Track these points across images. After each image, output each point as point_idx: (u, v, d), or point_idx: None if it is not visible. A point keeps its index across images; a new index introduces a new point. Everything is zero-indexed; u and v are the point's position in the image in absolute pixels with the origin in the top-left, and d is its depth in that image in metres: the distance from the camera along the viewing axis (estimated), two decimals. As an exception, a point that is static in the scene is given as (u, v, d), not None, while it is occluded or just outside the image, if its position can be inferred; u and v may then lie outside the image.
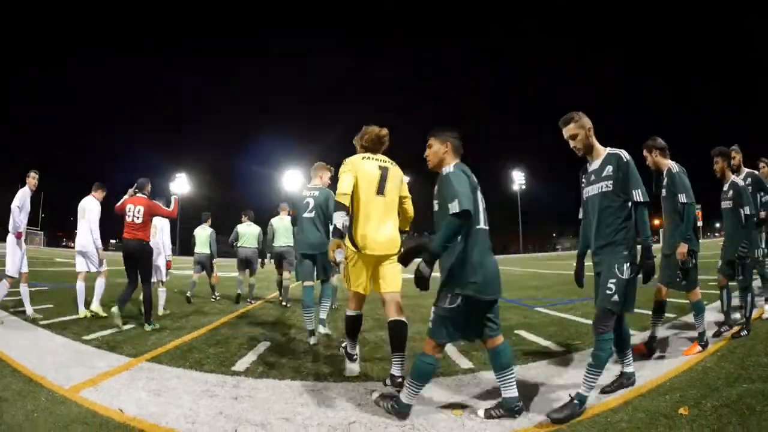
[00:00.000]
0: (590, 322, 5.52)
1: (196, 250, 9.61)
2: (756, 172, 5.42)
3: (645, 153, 4.40)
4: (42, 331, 5.61)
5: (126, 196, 6.32)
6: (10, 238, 6.28)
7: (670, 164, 4.27)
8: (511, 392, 2.87)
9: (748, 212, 4.67)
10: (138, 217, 6.05)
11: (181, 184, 64.40)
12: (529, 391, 3.34)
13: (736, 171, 5.26)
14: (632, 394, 3.11)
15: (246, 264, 9.38)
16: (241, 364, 4.22)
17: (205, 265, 9.54)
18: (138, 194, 6.24)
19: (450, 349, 4.73)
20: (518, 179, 76.29)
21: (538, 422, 2.79)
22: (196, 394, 3.39)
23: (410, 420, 2.89)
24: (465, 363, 4.22)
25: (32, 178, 6.57)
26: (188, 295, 9.02)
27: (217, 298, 9.54)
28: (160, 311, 7.33)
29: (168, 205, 6.73)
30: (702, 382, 3.28)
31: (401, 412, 2.90)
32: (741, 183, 4.83)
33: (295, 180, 41.73)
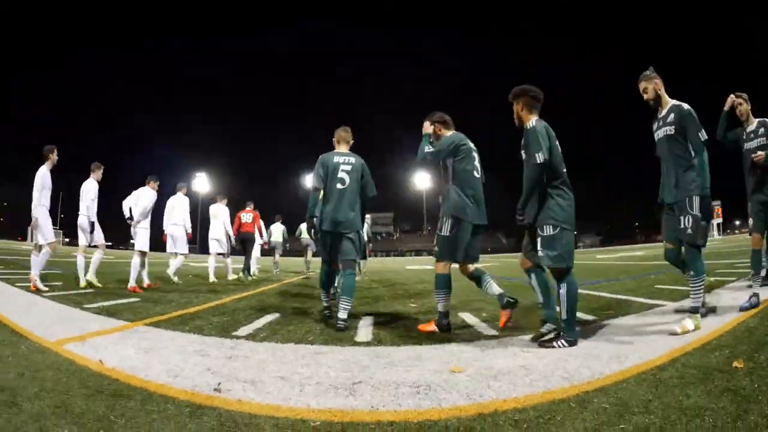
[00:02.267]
0: (619, 297, 5.53)
1: (273, 239, 13.69)
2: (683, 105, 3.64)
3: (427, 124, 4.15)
4: (42, 299, 5.42)
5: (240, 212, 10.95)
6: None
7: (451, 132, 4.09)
8: None
9: (539, 160, 3.26)
10: (248, 220, 10.76)
11: (202, 184, 65.23)
12: (565, 352, 3.00)
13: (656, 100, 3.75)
14: (677, 353, 2.77)
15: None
16: (244, 330, 3.90)
17: (279, 249, 13.88)
18: (247, 207, 10.99)
19: (472, 319, 4.44)
20: None
21: (587, 379, 2.42)
22: (187, 353, 3.07)
23: (425, 378, 2.52)
24: (490, 331, 3.87)
25: (156, 182, 7.99)
26: (275, 271, 13.14)
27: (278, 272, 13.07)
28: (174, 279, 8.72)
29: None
30: (750, 339, 3.01)
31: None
32: (531, 125, 3.45)
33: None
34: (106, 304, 5.22)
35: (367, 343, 3.44)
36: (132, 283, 6.96)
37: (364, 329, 3.98)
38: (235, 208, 11.16)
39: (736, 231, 66.12)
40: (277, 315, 4.80)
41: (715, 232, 52.85)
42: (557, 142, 3.46)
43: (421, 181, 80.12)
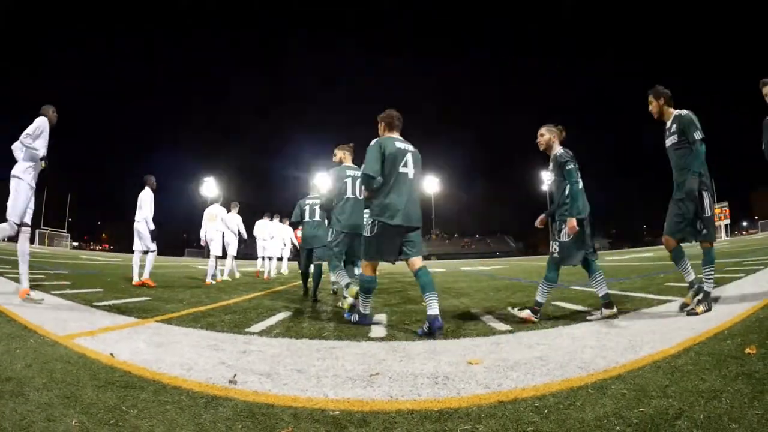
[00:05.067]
0: (630, 294, 5.55)
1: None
2: None
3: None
4: (52, 297, 5.39)
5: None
6: None
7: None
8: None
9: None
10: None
11: (210, 188, 65.28)
12: (580, 344, 2.97)
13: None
14: (690, 342, 2.80)
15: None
16: (256, 327, 3.84)
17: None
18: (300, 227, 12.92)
19: (484, 316, 4.39)
20: (547, 179, 72.92)
21: (603, 368, 2.42)
22: (200, 347, 3.02)
23: (442, 369, 2.48)
24: (502, 326, 3.82)
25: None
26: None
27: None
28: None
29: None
30: (760, 328, 3.04)
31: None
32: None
33: (324, 183, 41.15)
34: (116, 302, 5.19)
35: (382, 339, 3.39)
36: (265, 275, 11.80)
37: (379, 326, 3.92)
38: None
39: (744, 232, 66.15)
40: (289, 313, 4.74)
41: (723, 234, 52.39)
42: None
43: (430, 185, 79.60)
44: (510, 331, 3.58)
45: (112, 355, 2.67)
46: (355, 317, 4.08)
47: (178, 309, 4.84)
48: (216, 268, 9.69)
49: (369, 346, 3.14)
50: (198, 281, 9.35)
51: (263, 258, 12.63)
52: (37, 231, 50.65)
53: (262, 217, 12.92)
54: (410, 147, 4.04)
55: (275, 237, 12.99)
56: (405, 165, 3.90)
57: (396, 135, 4.07)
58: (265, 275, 12.12)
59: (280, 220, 13.46)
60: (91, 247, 76.67)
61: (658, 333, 3.19)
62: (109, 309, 4.63)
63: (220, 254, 9.89)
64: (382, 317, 4.38)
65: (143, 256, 8.02)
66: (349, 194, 5.11)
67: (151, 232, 7.94)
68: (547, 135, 4.30)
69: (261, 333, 3.59)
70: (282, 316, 4.54)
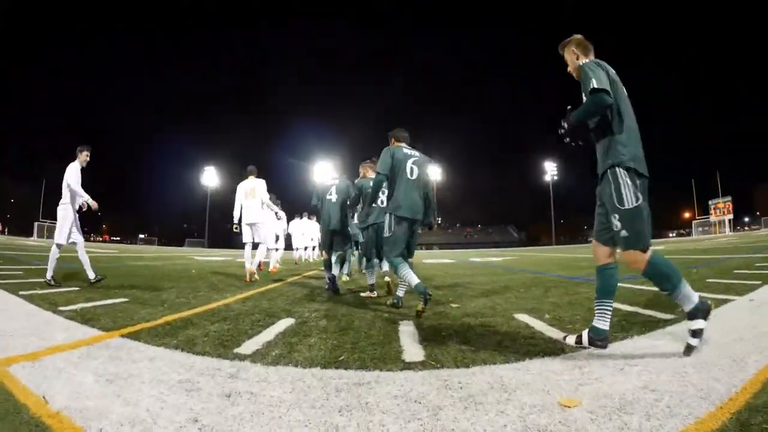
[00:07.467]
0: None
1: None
2: None
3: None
4: (17, 298, 4.59)
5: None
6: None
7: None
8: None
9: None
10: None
11: (210, 177, 64.53)
12: (677, 363, 2.21)
13: None
14: None
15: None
16: (249, 346, 2.93)
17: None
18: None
19: (535, 322, 3.44)
20: (550, 170, 68.94)
21: (727, 397, 1.77)
22: (167, 385, 2.13)
23: (533, 421, 1.65)
24: (560, 335, 3.12)
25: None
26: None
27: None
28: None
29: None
30: None
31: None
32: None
33: (324, 171, 40.26)
34: (85, 305, 4.33)
35: (422, 364, 2.50)
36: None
37: (410, 342, 3.04)
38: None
39: (746, 228, 65.77)
40: (291, 321, 3.81)
41: (727, 229, 51.58)
42: None
43: (432, 174, 77.57)
44: (580, 346, 2.76)
45: (44, 398, 1.82)
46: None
47: (154, 316, 3.95)
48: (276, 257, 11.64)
49: (407, 378, 2.26)
50: (189, 273, 8.46)
51: (297, 248, 15.84)
52: (36, 224, 49.98)
53: (293, 218, 15.84)
54: (336, 182, 6.15)
55: (305, 233, 15.79)
56: (330, 194, 6.09)
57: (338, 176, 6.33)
58: (302, 260, 15.65)
59: (309, 218, 16.06)
60: (92, 239, 75.83)
61: (747, 340, 2.74)
62: (73, 316, 3.78)
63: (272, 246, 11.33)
64: (410, 328, 3.51)
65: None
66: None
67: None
68: (361, 171, 6.21)
69: (254, 356, 2.69)
70: (282, 325, 3.64)
